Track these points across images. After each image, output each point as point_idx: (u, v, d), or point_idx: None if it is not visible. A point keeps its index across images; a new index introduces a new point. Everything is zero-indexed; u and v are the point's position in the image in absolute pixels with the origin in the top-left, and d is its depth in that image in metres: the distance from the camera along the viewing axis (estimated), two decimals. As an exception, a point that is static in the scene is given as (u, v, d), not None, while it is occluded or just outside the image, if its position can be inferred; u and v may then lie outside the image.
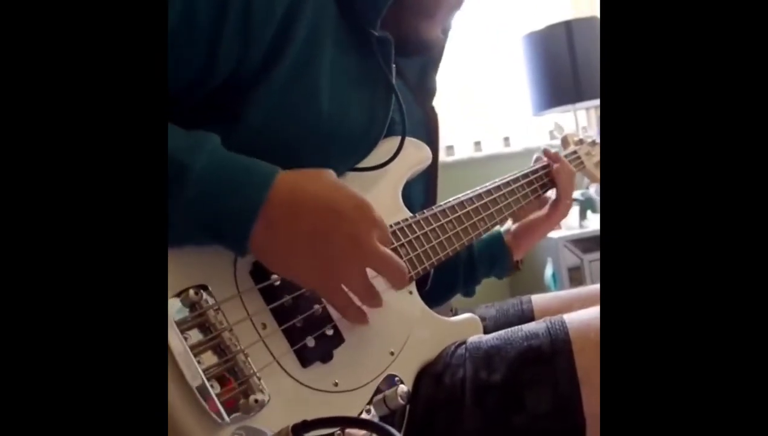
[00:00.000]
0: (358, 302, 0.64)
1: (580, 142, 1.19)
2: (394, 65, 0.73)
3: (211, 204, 0.56)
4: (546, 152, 1.05)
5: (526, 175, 1.00)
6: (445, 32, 0.85)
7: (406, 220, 0.77)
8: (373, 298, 0.64)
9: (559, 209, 1.03)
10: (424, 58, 0.90)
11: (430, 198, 0.91)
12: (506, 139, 2.60)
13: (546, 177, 1.03)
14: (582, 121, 2.48)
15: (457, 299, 1.03)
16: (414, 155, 0.83)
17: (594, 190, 2.20)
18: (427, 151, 0.85)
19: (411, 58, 0.84)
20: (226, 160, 0.58)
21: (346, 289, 0.62)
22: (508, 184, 0.95)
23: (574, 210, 2.17)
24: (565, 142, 1.20)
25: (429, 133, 0.90)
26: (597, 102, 2.24)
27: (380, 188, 0.78)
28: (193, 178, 0.55)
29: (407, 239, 0.75)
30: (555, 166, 1.03)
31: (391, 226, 0.74)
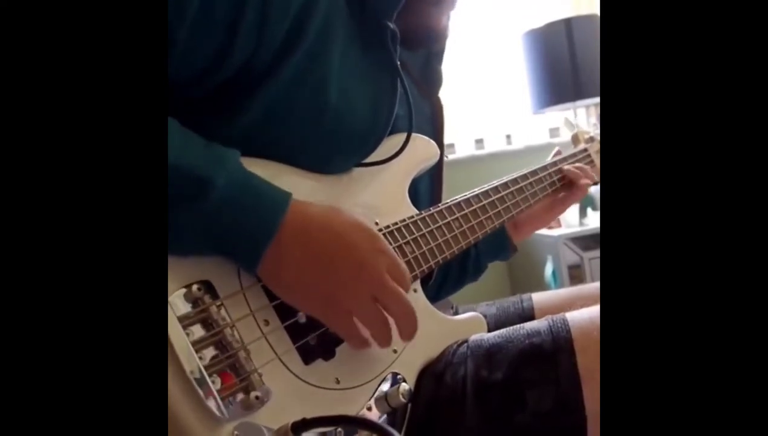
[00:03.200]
0: (367, 335, 0.63)
1: (591, 139, 1.18)
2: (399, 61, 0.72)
3: (227, 223, 0.56)
4: (569, 172, 1.06)
5: (535, 173, 0.99)
6: (449, 20, 0.84)
7: (412, 217, 0.76)
8: (384, 329, 0.62)
9: (565, 206, 1.05)
10: (429, 50, 0.89)
11: (435, 193, 0.91)
12: (508, 136, 2.61)
13: (559, 181, 1.04)
14: (582, 119, 2.48)
15: (458, 298, 1.03)
16: (422, 152, 0.83)
17: (594, 188, 2.19)
18: (435, 148, 0.84)
19: (417, 50, 0.84)
20: (245, 180, 0.58)
21: (354, 321, 0.62)
22: (516, 181, 0.95)
23: (574, 208, 2.17)
24: (575, 139, 1.19)
25: (435, 127, 0.90)
26: (597, 100, 2.24)
27: (387, 184, 0.77)
28: (215, 195, 0.55)
29: (413, 236, 0.75)
30: (573, 170, 1.05)
31: (396, 223, 0.74)
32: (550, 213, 1.06)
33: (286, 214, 0.58)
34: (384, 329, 0.63)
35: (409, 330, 0.63)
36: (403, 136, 0.75)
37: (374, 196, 0.75)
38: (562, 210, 1.07)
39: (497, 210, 0.88)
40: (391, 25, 0.70)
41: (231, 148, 0.59)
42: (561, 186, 1.05)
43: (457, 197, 0.84)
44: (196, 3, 0.57)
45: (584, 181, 1.05)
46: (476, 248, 1.02)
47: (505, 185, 0.92)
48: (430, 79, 0.91)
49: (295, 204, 0.60)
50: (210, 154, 0.57)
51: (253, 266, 0.59)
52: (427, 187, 0.90)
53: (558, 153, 1.10)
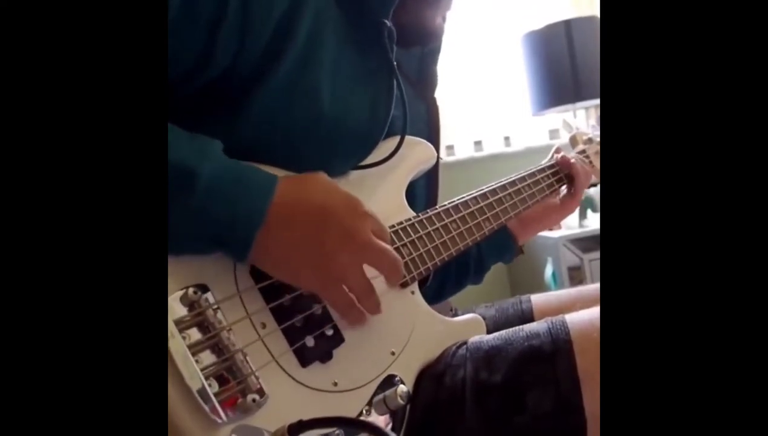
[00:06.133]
0: (357, 304, 0.64)
1: (589, 141, 1.18)
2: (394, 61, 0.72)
3: (215, 211, 0.56)
4: (562, 161, 1.05)
5: (533, 175, 0.99)
6: (444, 20, 0.84)
7: (409, 219, 0.76)
8: (371, 296, 0.64)
9: (573, 204, 1.04)
10: (423, 49, 0.89)
11: (431, 195, 0.91)
12: (507, 138, 2.60)
13: (553, 176, 1.03)
14: (582, 121, 2.48)
15: (457, 300, 1.03)
16: (419, 154, 0.83)
17: (594, 190, 2.20)
18: (432, 151, 0.84)
19: (410, 49, 0.84)
20: (230, 168, 0.59)
21: (346, 289, 0.63)
22: (514, 183, 0.95)
23: (574, 209, 2.17)
24: (573, 141, 1.19)
25: (431, 128, 0.90)
26: (597, 101, 2.24)
27: (384, 187, 0.77)
28: (201, 185, 0.55)
29: (410, 239, 0.75)
30: (575, 168, 1.04)
31: (393, 225, 0.74)
32: (560, 211, 1.05)
33: (273, 198, 0.59)
34: (372, 296, 0.64)
35: (395, 277, 0.66)
36: (398, 138, 0.74)
37: (371, 198, 0.74)
38: (572, 206, 1.06)
39: (495, 211, 0.88)
40: (388, 23, 0.70)
41: (213, 139, 0.59)
42: (561, 183, 1.04)
43: (454, 199, 0.84)
44: (176, 1, 0.57)
45: (580, 169, 1.04)
46: (479, 249, 1.01)
47: (503, 187, 0.92)
48: (425, 80, 0.91)
49: (280, 185, 0.60)
50: (193, 146, 0.57)
51: (244, 254, 0.59)
52: (423, 189, 0.89)
53: (557, 151, 1.09)
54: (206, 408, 0.53)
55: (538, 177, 1.00)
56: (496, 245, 1.02)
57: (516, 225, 1.02)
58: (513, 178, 0.95)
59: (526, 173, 0.98)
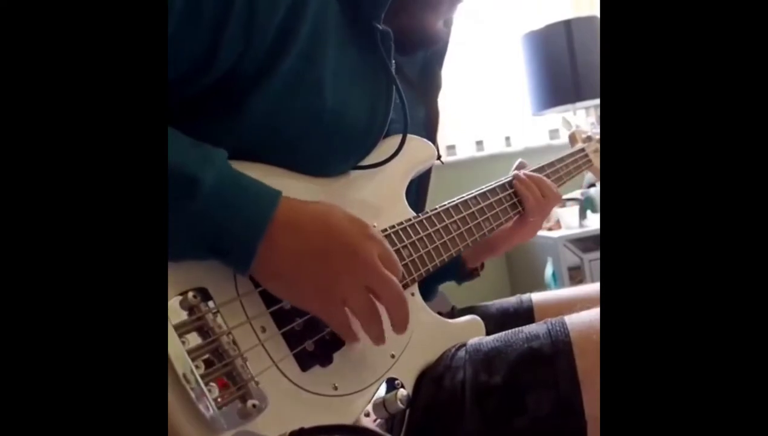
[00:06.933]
0: (357, 326, 0.63)
1: (589, 139, 1.18)
2: (393, 61, 0.72)
3: (217, 220, 0.56)
4: (516, 177, 0.96)
5: (494, 192, 0.98)
6: (447, 25, 0.84)
7: (410, 220, 0.76)
8: (374, 321, 0.62)
9: (524, 228, 0.98)
10: (426, 54, 0.89)
11: (421, 195, 0.90)
12: (507, 138, 2.60)
13: (512, 198, 0.96)
14: (582, 121, 2.48)
15: (458, 299, 1.03)
16: (419, 153, 0.83)
17: (594, 190, 2.20)
18: (432, 150, 0.84)
19: (412, 53, 0.83)
20: (234, 177, 0.58)
21: (346, 311, 0.61)
22: (513, 184, 0.94)
23: (575, 209, 2.17)
24: (572, 139, 1.19)
25: (428, 131, 0.90)
26: (597, 101, 2.23)
27: (385, 187, 0.77)
28: (204, 192, 0.54)
29: (410, 240, 0.74)
30: (520, 188, 0.95)
31: (394, 226, 0.74)
32: (509, 239, 0.98)
33: (277, 210, 0.58)
34: (376, 320, 0.62)
35: (401, 318, 0.63)
36: (398, 138, 0.74)
37: (372, 198, 0.74)
38: (522, 233, 0.98)
39: (495, 211, 0.88)
40: (380, 27, 0.70)
41: (218, 148, 0.58)
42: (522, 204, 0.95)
43: (454, 199, 0.84)
44: (180, 2, 0.57)
45: (532, 204, 0.94)
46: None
47: (503, 187, 0.92)
48: (427, 83, 0.91)
49: (284, 200, 0.60)
50: (197, 153, 0.57)
51: (246, 264, 0.58)
52: (414, 189, 0.89)
53: (521, 165, 1.01)
54: (206, 414, 0.53)
55: (501, 195, 0.93)
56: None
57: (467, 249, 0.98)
58: (512, 179, 0.95)
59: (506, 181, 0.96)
